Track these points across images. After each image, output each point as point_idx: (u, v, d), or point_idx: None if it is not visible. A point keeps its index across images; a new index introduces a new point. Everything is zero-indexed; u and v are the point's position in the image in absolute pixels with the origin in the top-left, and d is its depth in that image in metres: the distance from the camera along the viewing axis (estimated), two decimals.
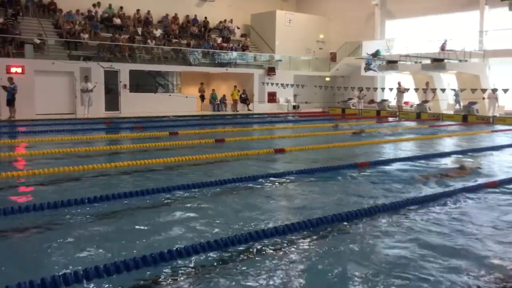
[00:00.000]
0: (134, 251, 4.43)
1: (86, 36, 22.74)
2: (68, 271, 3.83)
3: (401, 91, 24.00)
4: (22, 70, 19.35)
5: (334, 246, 4.81)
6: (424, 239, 5.00)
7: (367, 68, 25.53)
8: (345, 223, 5.50)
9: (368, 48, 26.92)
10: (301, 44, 30.02)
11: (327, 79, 29.90)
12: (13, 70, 19.07)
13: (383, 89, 24.96)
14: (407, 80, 25.07)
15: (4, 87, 17.99)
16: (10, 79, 18.25)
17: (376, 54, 25.28)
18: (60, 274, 3.74)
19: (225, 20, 29.90)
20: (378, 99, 27.13)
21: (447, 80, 24.12)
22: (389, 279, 4.01)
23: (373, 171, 8.94)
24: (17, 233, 5.14)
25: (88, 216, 5.67)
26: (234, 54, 27.47)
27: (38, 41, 20.64)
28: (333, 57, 30.31)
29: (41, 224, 5.35)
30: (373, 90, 25.36)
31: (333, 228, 5.35)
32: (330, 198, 6.88)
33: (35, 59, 19.99)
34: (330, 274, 4.11)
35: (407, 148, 12.77)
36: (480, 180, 7.91)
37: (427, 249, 4.72)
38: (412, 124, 20.26)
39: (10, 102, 18.10)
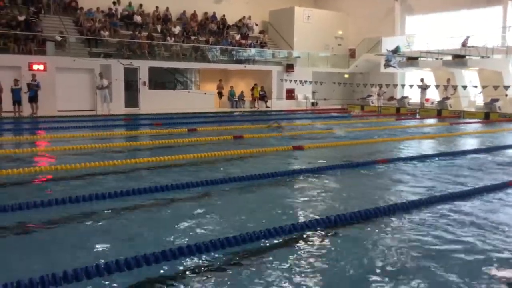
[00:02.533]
0: (153, 246, 4.46)
1: (106, 33, 23.00)
2: (91, 264, 3.88)
3: (423, 87, 23.70)
4: (44, 67, 19.67)
5: (358, 243, 4.79)
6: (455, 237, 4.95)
7: (387, 64, 25.23)
8: (365, 220, 5.47)
9: (388, 44, 26.60)
10: (320, 41, 29.84)
11: (346, 75, 29.67)
12: (35, 67, 19.41)
13: (403, 85, 24.67)
14: (428, 76, 24.74)
15: (30, 85, 18.32)
16: (33, 76, 18.59)
17: (396, 51, 24.96)
18: (82, 267, 3.79)
19: (243, 17, 29.90)
20: (398, 96, 26.82)
21: (469, 77, 23.72)
22: (415, 274, 3.99)
23: (392, 168, 8.87)
24: (38, 227, 5.23)
25: (109, 211, 5.75)
26: (253, 51, 27.47)
27: (59, 39, 20.96)
28: (352, 54, 30.06)
29: (61, 219, 5.43)
30: (392, 87, 25.08)
31: (353, 225, 5.32)
32: (349, 195, 6.85)
33: (57, 56, 20.30)
34: (351, 272, 4.10)
35: (428, 145, 12.61)
36: None
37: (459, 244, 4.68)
38: (431, 121, 19.98)
39: (33, 99, 18.43)
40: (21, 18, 20.98)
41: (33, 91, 18.43)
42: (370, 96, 27.13)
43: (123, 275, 3.85)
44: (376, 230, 5.19)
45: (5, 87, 17.98)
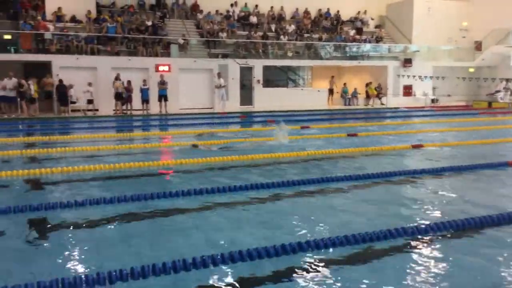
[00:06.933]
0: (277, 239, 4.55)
1: (224, 35, 23.99)
2: (204, 255, 4.08)
3: None
4: (169, 68, 21.12)
5: (483, 250, 4.43)
6: None
7: None
8: (495, 226, 5.03)
9: None
10: (442, 33, 27.96)
11: (471, 70, 27.48)
12: (161, 68, 20.93)
13: None
14: None
15: (162, 83, 19.81)
16: (162, 76, 20.08)
17: None
18: (195, 257, 4.01)
19: (358, 12, 29.20)
20: None
21: None
22: None
23: None
24: (160, 216, 5.63)
25: (229, 204, 6.00)
26: (367, 46, 26.69)
27: (182, 41, 22.33)
28: (478, 46, 27.74)
29: (189, 209, 5.79)
30: None
31: (482, 230, 4.92)
32: (475, 198, 6.33)
33: (180, 58, 21.67)
34: (479, 278, 3.80)
35: None
36: None
37: None
38: None
39: (165, 97, 19.86)
40: (149, 22, 22.73)
41: (165, 90, 19.93)
42: (499, 91, 24.82)
43: (238, 265, 4.00)
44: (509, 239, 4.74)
45: (135, 87, 19.65)
